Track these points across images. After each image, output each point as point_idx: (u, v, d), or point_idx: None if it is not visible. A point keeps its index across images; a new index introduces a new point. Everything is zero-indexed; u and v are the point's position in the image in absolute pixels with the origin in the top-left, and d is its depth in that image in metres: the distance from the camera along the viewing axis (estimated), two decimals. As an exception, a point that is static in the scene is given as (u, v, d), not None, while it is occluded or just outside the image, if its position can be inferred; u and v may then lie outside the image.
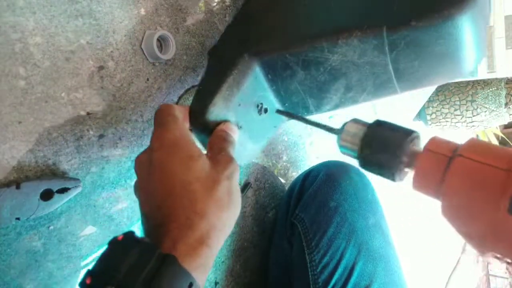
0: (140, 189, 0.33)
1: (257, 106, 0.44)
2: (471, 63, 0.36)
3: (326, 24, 0.40)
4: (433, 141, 0.31)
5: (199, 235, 0.29)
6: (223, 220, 0.32)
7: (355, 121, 0.37)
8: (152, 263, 0.25)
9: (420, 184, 0.31)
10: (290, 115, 0.46)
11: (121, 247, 0.26)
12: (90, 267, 0.26)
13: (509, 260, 0.26)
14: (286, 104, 0.46)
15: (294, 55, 0.40)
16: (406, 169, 0.33)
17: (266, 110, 0.46)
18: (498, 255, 0.27)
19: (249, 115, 0.43)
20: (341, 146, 0.37)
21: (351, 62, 0.38)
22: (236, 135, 0.40)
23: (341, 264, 0.49)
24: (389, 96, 0.40)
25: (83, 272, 0.43)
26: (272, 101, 0.46)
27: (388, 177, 0.34)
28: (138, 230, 0.48)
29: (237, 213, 0.34)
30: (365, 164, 0.35)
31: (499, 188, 0.25)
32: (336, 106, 0.44)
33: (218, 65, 0.44)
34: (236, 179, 0.34)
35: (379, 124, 0.35)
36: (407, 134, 0.32)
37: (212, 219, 0.30)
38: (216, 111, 0.39)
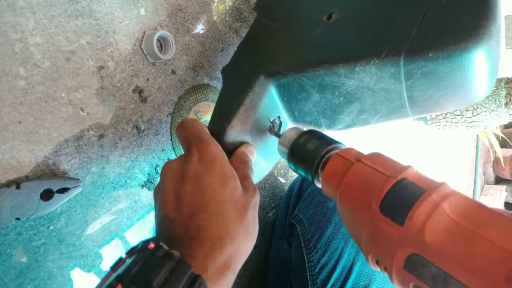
0: (166, 193, 0.32)
1: (270, 126, 0.44)
2: (483, 92, 0.36)
3: (345, 49, 0.40)
4: (346, 150, 0.34)
5: (226, 258, 0.29)
6: (246, 248, 0.32)
7: (294, 128, 0.40)
8: (183, 282, 0.25)
9: (325, 183, 0.34)
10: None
11: (154, 258, 0.26)
12: (117, 269, 0.25)
13: (387, 265, 0.27)
14: (299, 123, 0.46)
15: (311, 78, 0.40)
16: None
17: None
18: (376, 259, 0.29)
19: (263, 135, 0.44)
20: (278, 150, 0.40)
21: (367, 87, 0.39)
22: (254, 158, 0.40)
23: (340, 264, 0.49)
24: (401, 119, 0.41)
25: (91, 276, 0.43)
26: (285, 120, 0.46)
27: (310, 181, 0.37)
28: (142, 227, 0.48)
29: (253, 243, 0.34)
30: (294, 167, 0.39)
31: (378, 189, 0.28)
32: (348, 126, 0.45)
33: (234, 85, 0.44)
34: (257, 210, 0.35)
35: (310, 133, 0.38)
36: (328, 144, 0.36)
37: (239, 244, 0.30)
38: (234, 133, 0.39)
